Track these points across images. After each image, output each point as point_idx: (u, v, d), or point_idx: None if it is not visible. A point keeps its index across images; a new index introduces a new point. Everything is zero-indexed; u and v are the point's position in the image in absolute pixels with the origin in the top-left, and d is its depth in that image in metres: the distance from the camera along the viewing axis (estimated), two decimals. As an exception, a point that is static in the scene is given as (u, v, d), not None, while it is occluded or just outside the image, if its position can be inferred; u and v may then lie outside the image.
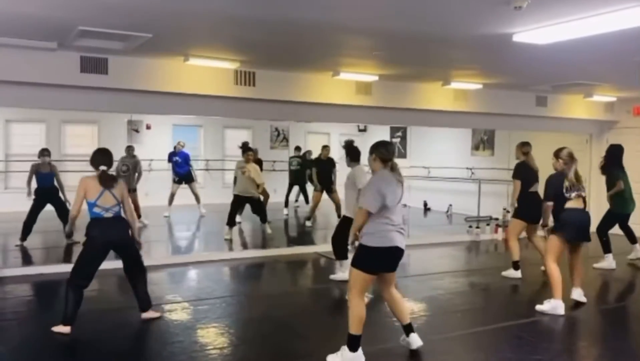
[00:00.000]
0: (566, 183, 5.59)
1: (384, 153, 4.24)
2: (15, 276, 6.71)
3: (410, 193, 4.32)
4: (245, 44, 6.19)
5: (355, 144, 6.90)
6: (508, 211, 10.71)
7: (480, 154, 13.54)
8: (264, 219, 9.55)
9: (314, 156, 12.51)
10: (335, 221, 11.20)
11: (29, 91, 6.73)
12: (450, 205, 13.88)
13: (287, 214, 12.75)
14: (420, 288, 6.56)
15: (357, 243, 4.21)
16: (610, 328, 5.62)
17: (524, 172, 7.10)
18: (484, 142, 13.44)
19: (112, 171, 5.08)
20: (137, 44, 5.98)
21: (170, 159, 11.94)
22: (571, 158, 5.67)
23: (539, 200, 6.88)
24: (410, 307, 5.38)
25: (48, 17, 5.07)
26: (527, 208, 7.05)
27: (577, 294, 5.92)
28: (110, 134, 13.55)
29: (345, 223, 6.49)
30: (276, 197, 12.94)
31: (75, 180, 8.82)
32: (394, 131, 15.85)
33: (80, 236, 5.28)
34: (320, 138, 16.37)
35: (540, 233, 6.73)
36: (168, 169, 12.87)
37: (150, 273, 5.34)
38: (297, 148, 13.35)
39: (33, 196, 8.37)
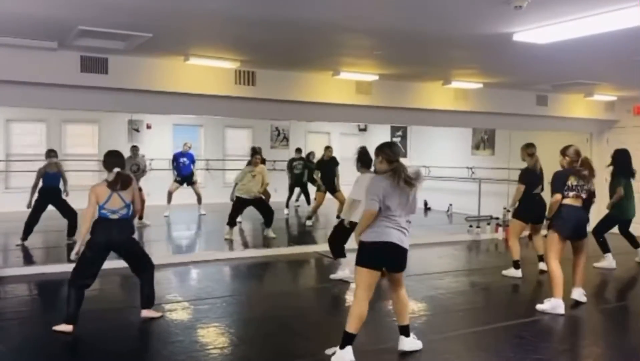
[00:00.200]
0: (569, 182, 5.59)
1: (389, 155, 4.25)
2: (16, 275, 6.71)
3: (417, 193, 4.30)
4: (245, 43, 6.19)
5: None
6: (508, 211, 10.71)
7: (480, 153, 13.53)
8: (269, 223, 9.45)
9: (317, 157, 12.55)
10: (335, 220, 11.27)
11: (30, 90, 6.73)
12: (451, 204, 13.88)
13: (287, 214, 12.76)
14: (421, 288, 6.56)
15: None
16: (610, 327, 5.62)
17: (529, 177, 7.10)
18: (484, 141, 13.44)
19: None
20: (138, 43, 5.98)
21: (176, 160, 11.93)
22: (578, 156, 5.67)
23: (541, 202, 6.88)
24: (410, 307, 5.37)
25: (48, 17, 5.07)
26: (528, 210, 7.07)
27: (577, 294, 5.91)
28: (111, 134, 13.56)
29: (341, 225, 6.53)
30: (277, 196, 12.93)
31: (76, 180, 8.90)
32: (394, 130, 15.84)
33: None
34: (321, 138, 16.38)
35: (543, 232, 6.73)
36: (169, 169, 12.88)
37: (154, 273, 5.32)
38: (298, 150, 13.33)
39: (36, 196, 8.38)
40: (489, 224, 10.91)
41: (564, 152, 5.75)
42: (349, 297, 6.22)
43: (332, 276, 6.84)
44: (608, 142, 11.06)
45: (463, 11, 4.68)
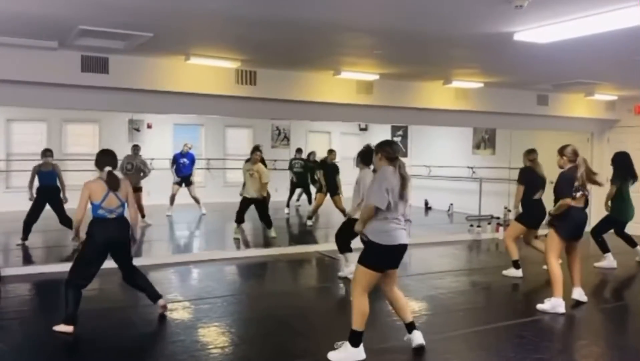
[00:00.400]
0: (576, 183, 5.58)
1: (389, 152, 4.26)
2: (16, 275, 6.71)
3: (411, 191, 4.31)
4: (246, 43, 6.19)
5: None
6: (509, 210, 10.71)
7: (481, 153, 13.53)
8: (269, 225, 9.48)
9: (318, 156, 12.55)
10: (336, 220, 11.26)
11: (30, 90, 6.73)
12: (452, 204, 13.88)
13: (288, 214, 12.76)
14: (421, 287, 6.56)
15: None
16: (611, 326, 5.63)
17: (529, 178, 7.08)
18: (485, 141, 13.44)
19: (115, 170, 5.06)
20: (138, 43, 5.98)
21: (176, 160, 11.93)
22: (575, 155, 5.66)
23: (542, 208, 6.84)
24: (411, 306, 5.37)
25: (49, 17, 5.07)
26: (529, 214, 7.05)
27: (578, 293, 5.91)
28: (111, 133, 13.57)
29: (349, 223, 6.54)
30: (277, 196, 12.95)
31: (76, 179, 8.90)
32: (395, 130, 15.84)
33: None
34: (322, 137, 16.39)
35: (541, 231, 6.74)
36: (169, 169, 12.88)
37: (152, 272, 5.36)
38: (299, 150, 13.33)
39: (33, 199, 8.38)
40: (489, 223, 10.91)
41: (561, 151, 5.75)
42: (350, 297, 6.22)
43: (340, 274, 6.85)
44: (609, 141, 11.06)
45: (463, 10, 4.68)
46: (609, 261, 7.79)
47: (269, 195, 10.93)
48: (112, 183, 4.84)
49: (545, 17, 4.81)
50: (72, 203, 8.26)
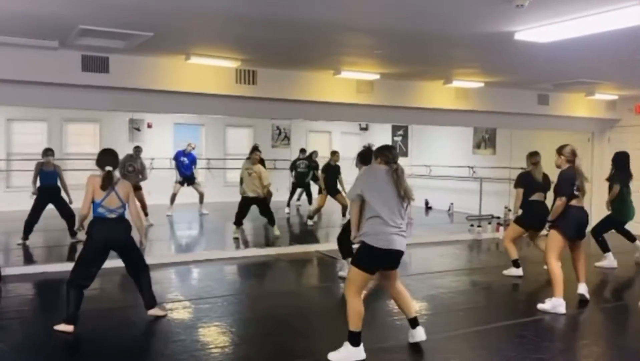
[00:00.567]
0: (577, 182, 5.58)
1: (388, 157, 4.28)
2: (17, 274, 6.71)
3: (412, 193, 4.31)
4: (246, 42, 6.19)
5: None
6: (509, 210, 10.71)
7: (481, 152, 13.53)
8: (272, 222, 9.47)
9: (319, 156, 12.55)
10: (337, 220, 11.29)
11: (31, 89, 6.73)
12: (452, 204, 13.88)
13: (288, 213, 12.76)
14: (422, 287, 6.56)
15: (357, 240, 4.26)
16: (611, 326, 5.62)
17: (526, 182, 7.08)
18: (485, 140, 13.43)
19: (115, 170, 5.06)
20: (138, 42, 5.98)
21: (177, 159, 11.92)
22: (574, 155, 5.65)
23: (542, 208, 6.83)
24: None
25: (49, 16, 5.07)
26: (527, 216, 7.06)
27: (583, 288, 5.91)
28: (112, 133, 13.56)
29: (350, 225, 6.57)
30: (278, 195, 12.95)
31: (77, 179, 8.90)
32: (395, 129, 15.84)
33: (83, 235, 5.28)
34: (322, 137, 16.39)
35: (544, 232, 6.72)
36: (170, 168, 12.88)
37: (152, 272, 5.33)
38: (303, 151, 13.30)
39: (36, 195, 8.38)
40: (490, 223, 10.91)
41: (560, 151, 5.74)
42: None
43: (341, 274, 6.87)
44: (609, 141, 11.05)
45: (464, 10, 4.68)
46: (609, 260, 7.79)
47: (270, 194, 10.94)
48: (107, 181, 4.81)
49: (546, 17, 4.80)
50: (77, 203, 8.38)
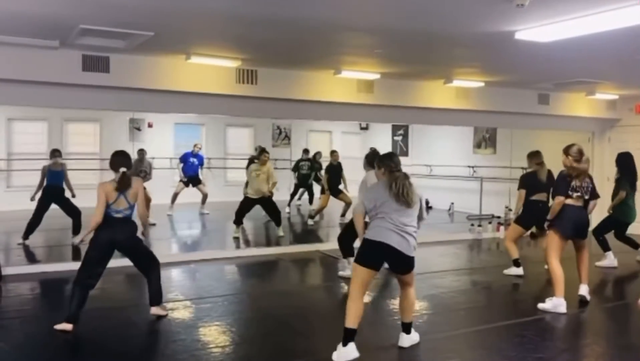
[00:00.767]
0: (573, 182, 5.58)
1: (392, 167, 4.29)
2: (18, 274, 6.71)
3: (415, 199, 4.30)
4: (247, 42, 6.19)
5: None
6: (510, 209, 10.70)
7: (482, 152, 13.52)
8: (278, 222, 9.44)
9: (323, 156, 12.54)
10: (338, 219, 11.28)
11: (31, 89, 6.73)
12: (452, 203, 13.87)
13: (289, 213, 12.75)
14: (422, 286, 6.55)
15: None
16: (612, 326, 5.62)
17: (528, 182, 7.07)
18: (485, 140, 13.43)
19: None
20: (139, 42, 5.98)
21: (185, 160, 11.92)
22: (581, 155, 5.65)
23: (544, 208, 6.82)
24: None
25: (50, 16, 5.07)
26: (527, 215, 7.07)
27: (584, 290, 5.90)
28: (112, 133, 13.54)
29: (351, 224, 6.58)
30: (278, 195, 12.92)
31: (77, 178, 8.89)
32: (395, 129, 15.82)
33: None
34: (322, 136, 16.37)
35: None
36: (170, 168, 12.87)
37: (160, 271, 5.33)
38: (306, 151, 13.28)
39: (39, 194, 8.38)
40: (490, 223, 10.91)
41: (566, 151, 5.72)
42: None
43: (341, 273, 6.90)
44: (610, 141, 11.05)
45: (464, 9, 4.67)
46: (609, 260, 7.79)
47: (272, 194, 10.94)
48: (123, 183, 4.85)
49: (547, 16, 4.80)
50: (75, 201, 8.40)
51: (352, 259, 6.61)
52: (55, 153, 8.48)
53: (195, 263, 7.69)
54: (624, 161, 7.87)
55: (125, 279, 6.56)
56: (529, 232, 7.50)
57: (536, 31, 5.21)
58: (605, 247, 7.84)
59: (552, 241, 5.70)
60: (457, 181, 13.66)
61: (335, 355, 4.13)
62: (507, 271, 7.21)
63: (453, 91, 9.17)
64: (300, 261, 8.21)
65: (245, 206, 9.27)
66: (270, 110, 8.43)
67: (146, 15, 4.97)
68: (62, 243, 8.64)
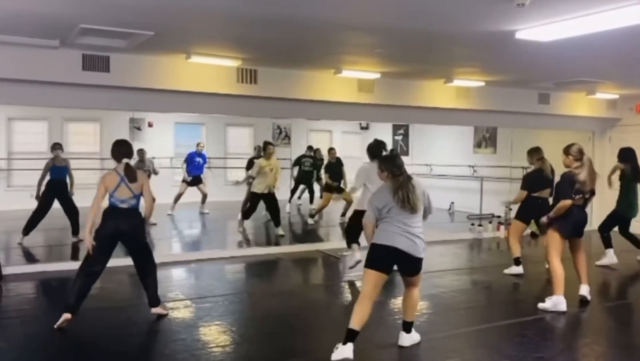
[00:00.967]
0: (577, 185, 5.56)
1: (394, 170, 4.28)
2: (18, 273, 6.72)
3: (419, 201, 4.30)
4: (247, 41, 6.18)
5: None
6: (510, 209, 10.70)
7: (482, 151, 13.52)
8: (277, 221, 9.44)
9: (321, 155, 12.54)
10: (338, 219, 11.29)
11: (31, 88, 6.73)
12: (453, 203, 13.87)
13: (288, 212, 12.74)
14: (423, 286, 6.48)
15: None
16: (612, 325, 5.62)
17: (532, 182, 7.05)
18: (486, 139, 13.42)
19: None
20: (139, 41, 5.98)
21: (191, 160, 11.91)
22: (581, 154, 5.64)
23: (544, 204, 6.82)
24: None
25: (50, 15, 5.07)
26: (528, 210, 7.07)
27: (585, 290, 5.90)
28: (112, 132, 13.45)
29: (356, 216, 6.61)
30: (278, 194, 12.92)
31: (78, 178, 8.88)
32: (396, 128, 15.82)
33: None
34: (323, 136, 16.36)
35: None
36: (170, 167, 12.88)
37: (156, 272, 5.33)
38: (310, 148, 13.23)
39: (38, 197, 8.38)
40: (490, 222, 10.91)
41: (567, 151, 5.71)
42: (351, 296, 6.23)
43: (349, 265, 6.91)
44: (610, 140, 11.05)
45: (465, 9, 4.67)
46: (609, 257, 7.78)
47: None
48: (130, 175, 4.88)
49: (547, 16, 4.80)
50: (80, 201, 8.39)
51: (355, 245, 6.78)
52: (56, 146, 8.48)
53: (196, 263, 7.68)
54: (626, 155, 7.87)
55: (125, 279, 6.56)
56: (529, 231, 7.50)
57: (537, 31, 5.21)
58: (608, 244, 7.83)
59: (553, 240, 5.70)
60: (457, 180, 13.66)
61: (333, 354, 4.13)
62: (507, 271, 7.20)
63: (453, 90, 9.16)
64: (300, 260, 8.20)
65: (255, 202, 9.23)
66: (270, 109, 8.43)
67: (146, 14, 4.97)
68: (62, 242, 8.63)
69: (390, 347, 4.49)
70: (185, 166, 11.90)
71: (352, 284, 6.68)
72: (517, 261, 7.16)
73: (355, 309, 4.14)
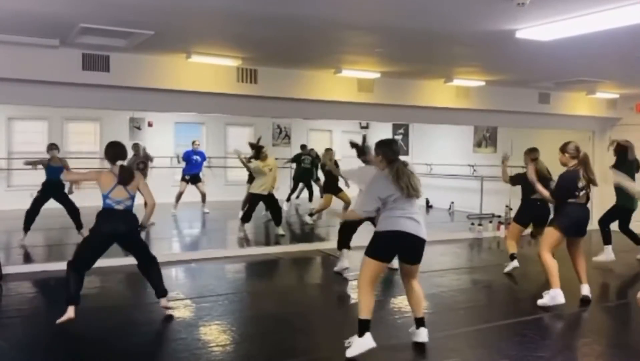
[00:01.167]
0: (580, 183, 5.57)
1: (388, 154, 4.24)
2: (18, 273, 6.71)
3: (419, 189, 4.30)
4: (247, 41, 6.18)
5: (358, 141, 7.08)
6: (510, 208, 10.70)
7: (482, 151, 13.52)
8: (278, 221, 9.43)
9: (316, 154, 12.54)
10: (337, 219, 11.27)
11: (31, 88, 6.73)
12: (453, 202, 13.88)
13: (286, 210, 12.74)
14: (423, 285, 6.45)
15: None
16: (612, 324, 5.62)
17: (520, 181, 7.11)
18: (486, 139, 13.43)
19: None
20: (139, 41, 5.98)
21: (188, 159, 11.90)
22: (578, 152, 5.64)
23: (542, 206, 6.84)
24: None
25: (50, 15, 5.07)
26: (526, 213, 7.09)
27: (586, 290, 5.90)
28: (113, 132, 13.50)
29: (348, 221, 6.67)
30: (278, 194, 12.92)
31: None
32: (396, 128, 15.83)
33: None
34: (323, 135, 16.38)
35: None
36: (170, 167, 12.88)
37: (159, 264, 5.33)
38: (303, 147, 13.25)
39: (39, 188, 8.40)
40: (490, 222, 10.91)
41: (563, 149, 5.72)
42: (351, 295, 6.22)
43: (336, 269, 6.94)
44: (610, 140, 11.02)
45: (465, 8, 4.67)
46: (607, 253, 7.78)
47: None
48: (125, 178, 4.87)
49: (547, 15, 4.80)
50: (75, 200, 8.40)
51: (345, 251, 6.80)
52: (52, 147, 8.48)
53: (196, 262, 7.68)
54: (624, 151, 7.90)
55: (125, 278, 6.56)
56: (529, 231, 7.50)
57: (537, 30, 5.21)
58: (607, 240, 7.82)
59: (549, 237, 5.71)
60: (457, 180, 13.66)
61: (350, 350, 4.10)
62: (506, 270, 7.20)
63: (453, 90, 9.16)
64: (300, 260, 8.20)
65: (254, 203, 9.24)
66: (270, 109, 8.43)
67: (146, 14, 4.97)
68: (62, 242, 8.63)
69: (390, 347, 4.49)
70: (182, 164, 11.89)
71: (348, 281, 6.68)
72: (512, 257, 7.17)
73: (360, 299, 4.15)
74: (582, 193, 5.58)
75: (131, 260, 5.32)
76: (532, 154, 7.07)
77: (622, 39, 5.58)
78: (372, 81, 8.50)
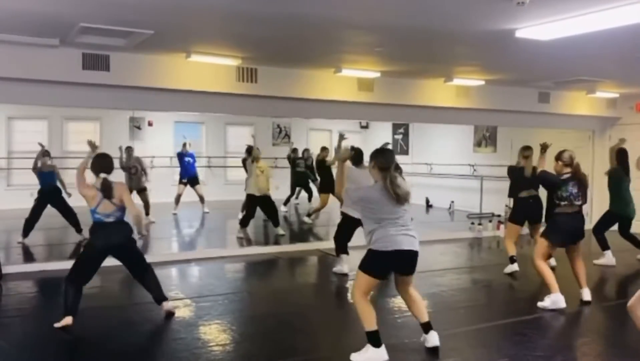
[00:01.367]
0: (574, 189, 5.59)
1: (382, 162, 4.23)
2: (17, 273, 6.72)
3: (412, 189, 4.29)
4: (247, 40, 6.18)
5: (357, 141, 7.07)
6: (510, 208, 10.71)
7: (482, 150, 13.52)
8: (276, 222, 9.45)
9: (309, 154, 12.56)
10: (336, 218, 11.26)
11: (31, 87, 6.73)
12: (453, 202, 13.87)
13: (286, 211, 12.74)
14: (423, 285, 6.54)
15: None
16: (612, 324, 5.62)
17: (514, 176, 7.18)
18: (486, 138, 13.42)
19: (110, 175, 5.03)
20: (139, 40, 5.98)
21: (181, 160, 11.89)
22: (571, 160, 5.69)
23: (535, 204, 6.91)
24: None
25: (50, 14, 5.07)
26: (520, 212, 7.13)
27: (587, 294, 5.89)
28: (112, 131, 13.53)
29: (344, 221, 6.65)
30: (278, 194, 12.92)
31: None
32: (396, 127, 15.82)
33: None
34: (322, 135, 16.36)
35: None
36: (170, 166, 12.87)
37: (154, 270, 5.32)
38: (294, 150, 13.26)
39: (36, 196, 8.40)
40: (490, 221, 10.92)
41: (558, 157, 5.78)
42: (351, 295, 6.22)
43: (335, 270, 6.94)
44: (610, 139, 11.03)
45: (465, 7, 4.67)
46: (607, 258, 7.78)
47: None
48: (106, 192, 4.79)
49: (547, 14, 4.80)
50: (73, 202, 8.38)
51: (344, 257, 6.79)
52: (44, 154, 8.49)
53: (196, 261, 7.68)
54: (623, 156, 7.90)
55: (125, 279, 6.53)
56: (529, 231, 7.52)
57: (537, 29, 5.21)
58: (604, 246, 7.82)
59: (540, 247, 5.78)
60: (457, 179, 13.66)
61: (356, 356, 4.09)
62: (506, 270, 7.21)
63: (453, 89, 9.16)
64: (300, 259, 8.21)
65: (252, 206, 9.23)
66: (270, 108, 8.43)
67: (146, 13, 4.97)
68: (62, 241, 8.63)
69: (389, 347, 4.48)
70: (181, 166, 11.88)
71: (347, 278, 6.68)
72: (511, 260, 7.17)
73: (361, 312, 4.11)
74: (576, 200, 5.59)
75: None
76: (525, 151, 7.15)
77: (621, 38, 5.59)
78: (372, 81, 8.50)
